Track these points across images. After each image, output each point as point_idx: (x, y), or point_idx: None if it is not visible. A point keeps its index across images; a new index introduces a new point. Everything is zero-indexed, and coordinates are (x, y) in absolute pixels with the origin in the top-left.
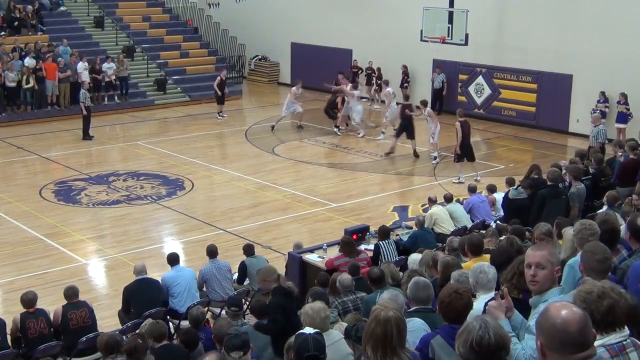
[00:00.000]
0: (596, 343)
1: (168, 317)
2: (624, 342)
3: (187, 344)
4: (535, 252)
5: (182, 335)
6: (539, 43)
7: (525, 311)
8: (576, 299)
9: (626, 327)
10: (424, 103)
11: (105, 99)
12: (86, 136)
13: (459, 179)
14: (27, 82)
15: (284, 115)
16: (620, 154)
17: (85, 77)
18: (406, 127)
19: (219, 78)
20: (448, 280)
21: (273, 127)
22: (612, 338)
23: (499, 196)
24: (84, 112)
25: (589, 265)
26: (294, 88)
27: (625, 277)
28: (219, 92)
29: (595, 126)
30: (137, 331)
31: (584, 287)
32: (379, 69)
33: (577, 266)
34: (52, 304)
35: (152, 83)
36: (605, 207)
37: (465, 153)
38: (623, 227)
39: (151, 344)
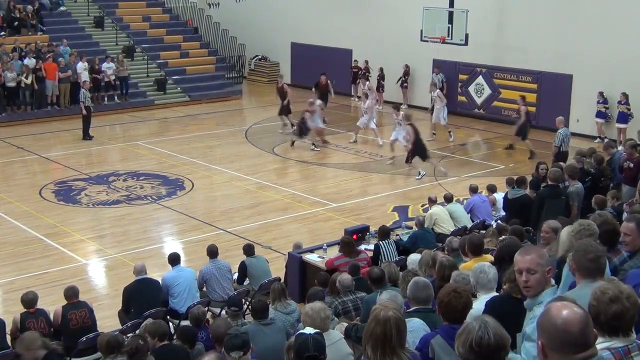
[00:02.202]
0: (602, 346)
1: (168, 317)
2: (630, 346)
3: (184, 341)
4: (523, 257)
5: (179, 332)
6: (539, 43)
7: (526, 312)
8: (591, 295)
9: (634, 334)
10: (397, 107)
11: (105, 99)
12: (86, 136)
13: (420, 175)
14: (26, 78)
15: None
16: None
17: (85, 77)
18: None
19: (277, 87)
20: (444, 280)
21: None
22: (619, 342)
23: (499, 196)
24: (84, 112)
25: (580, 264)
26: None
27: (624, 280)
28: (284, 102)
29: (559, 129)
30: (137, 332)
31: (603, 286)
32: (381, 69)
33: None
34: (52, 304)
35: (152, 83)
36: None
37: (420, 152)
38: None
39: (153, 343)
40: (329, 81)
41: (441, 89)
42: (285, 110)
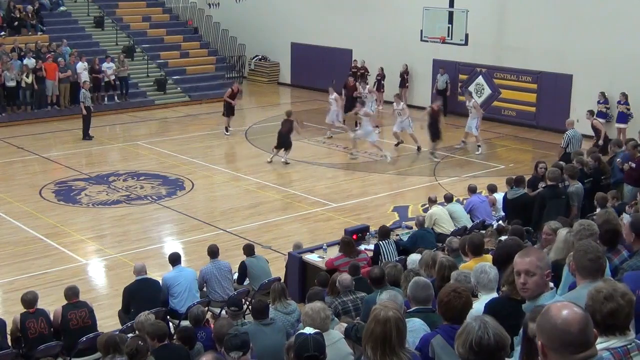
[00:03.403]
0: (601, 346)
1: (168, 317)
2: (629, 346)
3: (184, 341)
4: (523, 259)
5: (179, 333)
6: (539, 43)
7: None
8: (587, 296)
9: (632, 332)
10: (398, 95)
11: (105, 99)
12: (86, 136)
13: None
14: (27, 77)
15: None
16: (619, 158)
17: (84, 77)
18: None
19: (230, 90)
20: (444, 280)
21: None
22: (617, 342)
23: (499, 196)
24: (84, 112)
25: (580, 264)
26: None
27: (620, 281)
28: (232, 103)
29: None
30: (134, 326)
31: (598, 285)
32: (381, 69)
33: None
34: (52, 304)
35: (152, 83)
36: (598, 210)
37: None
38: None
39: (152, 344)
40: (356, 83)
41: (445, 90)
42: (232, 112)
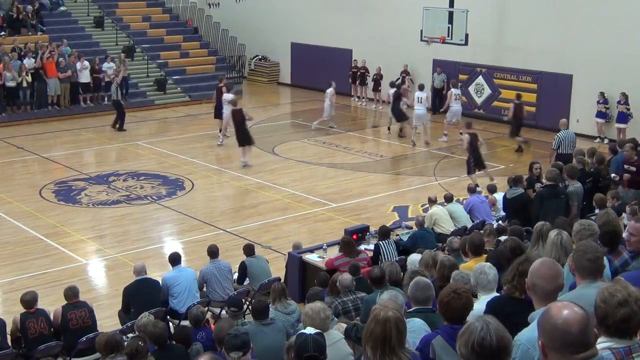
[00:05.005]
0: (602, 345)
1: (168, 317)
2: (631, 347)
3: (180, 341)
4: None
5: (176, 333)
6: (539, 43)
7: (528, 312)
8: (598, 296)
9: (638, 336)
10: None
11: (105, 99)
12: (120, 128)
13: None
14: (27, 76)
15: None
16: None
17: (85, 77)
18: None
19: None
20: (444, 280)
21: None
22: (621, 342)
23: (499, 196)
24: (116, 107)
25: (580, 264)
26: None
27: None
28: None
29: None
30: (135, 327)
31: (611, 288)
32: (379, 68)
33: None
34: (52, 304)
35: (152, 83)
36: (596, 211)
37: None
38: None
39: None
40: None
41: (442, 89)
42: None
